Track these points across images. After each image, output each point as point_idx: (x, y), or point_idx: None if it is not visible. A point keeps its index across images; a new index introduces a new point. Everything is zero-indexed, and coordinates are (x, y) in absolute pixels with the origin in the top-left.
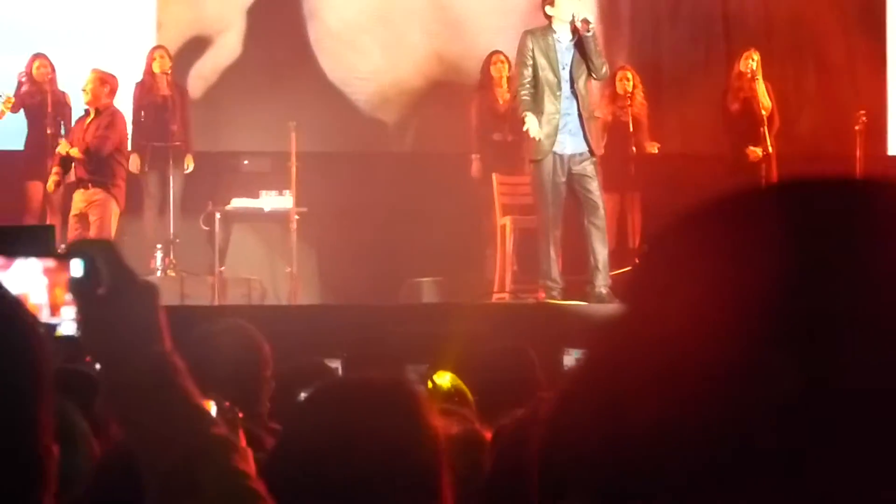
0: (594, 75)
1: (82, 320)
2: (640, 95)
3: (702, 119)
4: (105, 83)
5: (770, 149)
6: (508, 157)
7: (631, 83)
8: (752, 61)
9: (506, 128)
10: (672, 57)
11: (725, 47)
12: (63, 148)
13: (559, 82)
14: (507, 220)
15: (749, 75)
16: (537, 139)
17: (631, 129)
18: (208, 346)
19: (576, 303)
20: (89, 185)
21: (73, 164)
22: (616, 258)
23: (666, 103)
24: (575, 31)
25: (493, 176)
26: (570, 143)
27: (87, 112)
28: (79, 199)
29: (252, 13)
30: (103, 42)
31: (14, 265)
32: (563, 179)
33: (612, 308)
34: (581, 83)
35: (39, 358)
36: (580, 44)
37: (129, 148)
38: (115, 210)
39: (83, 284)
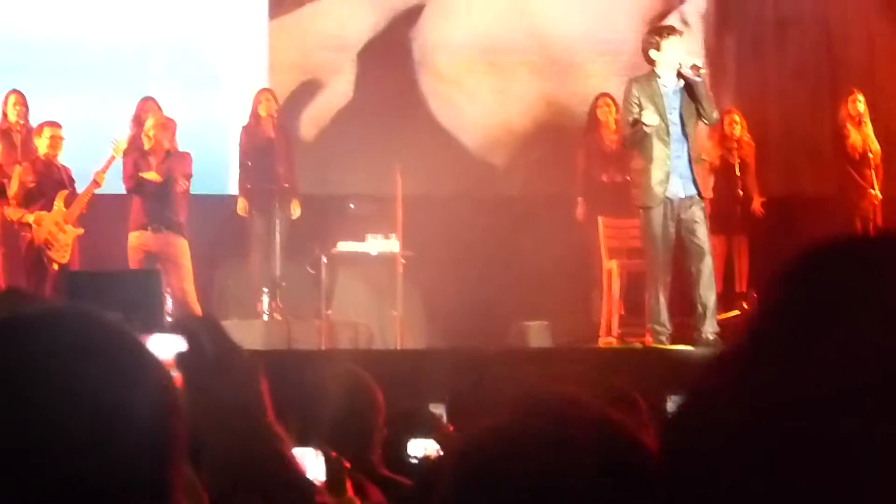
0: (705, 120)
1: (188, 393)
2: (746, 137)
3: (807, 161)
4: (167, 129)
5: (878, 193)
6: (615, 199)
7: (739, 126)
8: (859, 104)
9: (613, 169)
10: (777, 98)
11: (830, 88)
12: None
13: (668, 127)
14: (613, 264)
15: (857, 118)
16: (647, 124)
17: (738, 173)
18: (322, 391)
19: (683, 347)
20: (161, 228)
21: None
22: (723, 302)
23: (771, 145)
24: (680, 75)
25: (599, 219)
26: (681, 186)
27: (146, 152)
28: (148, 240)
29: (362, 57)
30: (216, 86)
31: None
32: (673, 225)
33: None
34: (690, 126)
35: (177, 413)
36: (689, 88)
37: (238, 192)
38: (187, 250)
39: (188, 359)
